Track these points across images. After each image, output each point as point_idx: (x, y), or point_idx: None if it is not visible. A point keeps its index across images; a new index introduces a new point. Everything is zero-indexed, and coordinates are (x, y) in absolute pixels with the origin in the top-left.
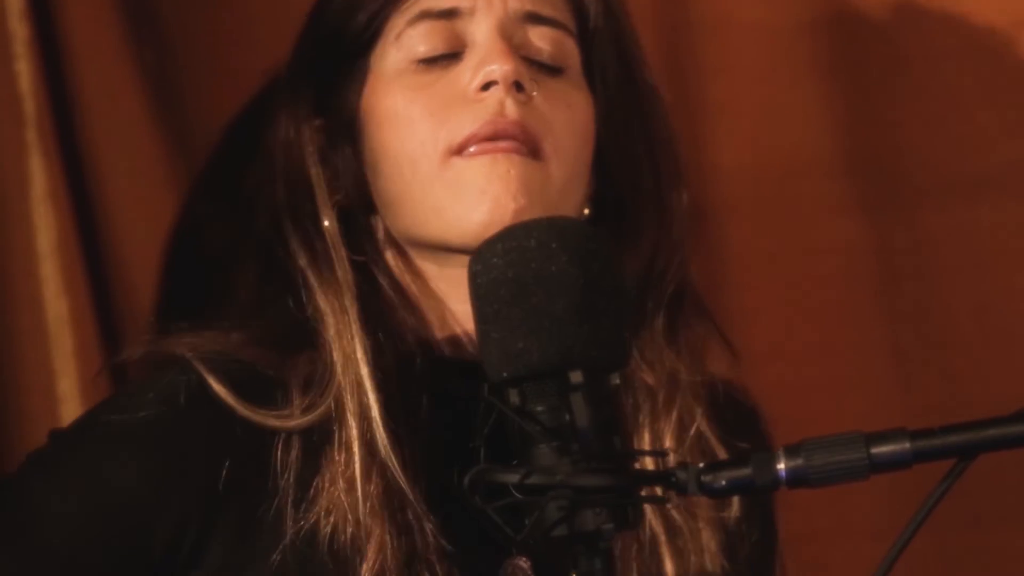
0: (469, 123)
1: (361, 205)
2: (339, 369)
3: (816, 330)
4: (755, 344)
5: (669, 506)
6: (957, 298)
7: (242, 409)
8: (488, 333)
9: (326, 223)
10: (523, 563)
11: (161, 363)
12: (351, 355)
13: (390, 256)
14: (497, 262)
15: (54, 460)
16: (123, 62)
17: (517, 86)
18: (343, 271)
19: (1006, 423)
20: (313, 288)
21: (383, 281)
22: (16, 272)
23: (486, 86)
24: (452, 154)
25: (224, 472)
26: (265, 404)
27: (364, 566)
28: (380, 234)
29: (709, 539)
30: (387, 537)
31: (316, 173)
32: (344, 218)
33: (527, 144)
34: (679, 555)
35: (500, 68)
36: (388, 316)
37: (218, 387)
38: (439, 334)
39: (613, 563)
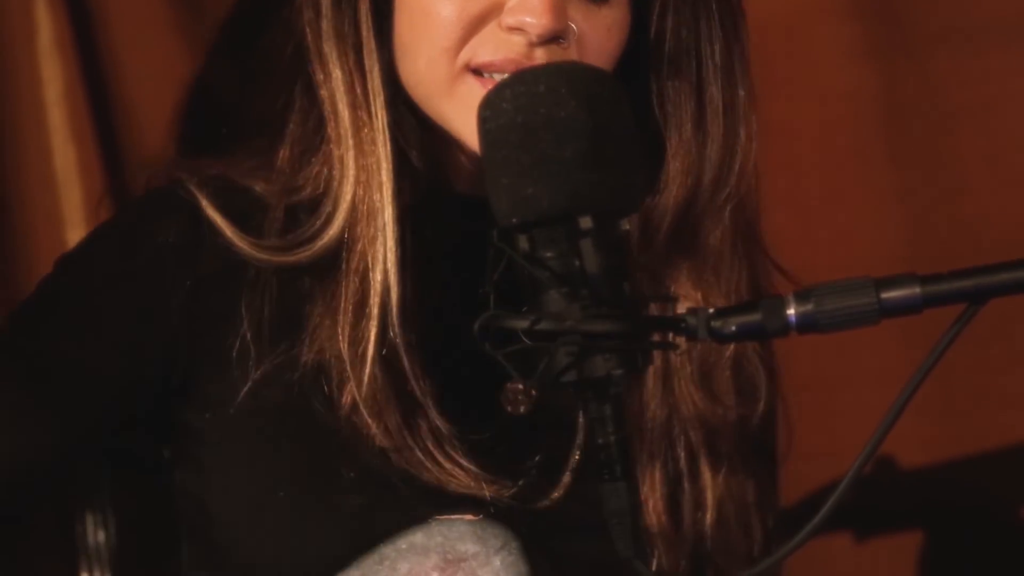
0: (491, 52)
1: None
2: (356, 200)
3: (824, 176)
4: (762, 191)
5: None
6: (966, 143)
7: (238, 241)
8: (497, 179)
9: (369, 43)
10: (521, 386)
11: (162, 187)
12: (374, 187)
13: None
14: (506, 107)
15: (60, 286)
16: None
17: (555, 39)
18: (377, 91)
19: (1017, 267)
20: (341, 105)
21: (405, 112)
22: (23, 122)
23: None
24: (468, 70)
25: (216, 300)
26: (265, 234)
27: (344, 403)
28: None
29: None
30: (375, 380)
31: (365, 9)
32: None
33: None
34: (717, 461)
35: (537, 23)
36: (411, 148)
37: (215, 216)
38: (456, 170)
39: (623, 409)
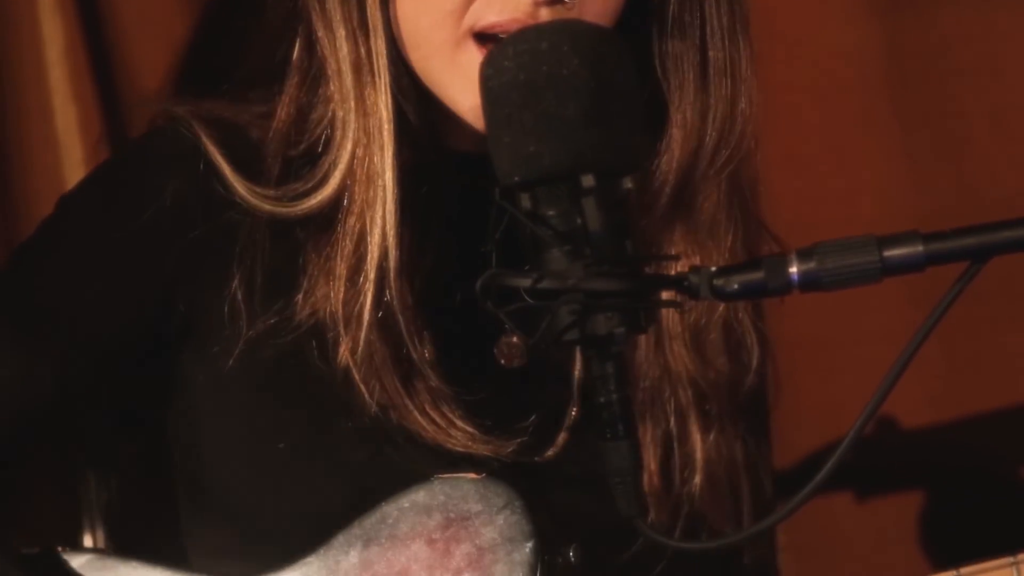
0: (496, 13)
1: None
2: (355, 161)
3: (827, 135)
4: (768, 151)
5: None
6: (971, 102)
7: (237, 183)
8: (499, 138)
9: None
10: (516, 339)
11: (164, 126)
12: (375, 148)
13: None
14: (508, 65)
15: (60, 228)
16: None
17: None
18: (380, 51)
19: (1020, 225)
20: (343, 65)
21: (404, 71)
22: (25, 82)
23: None
24: (472, 35)
25: (211, 255)
26: (262, 183)
27: (340, 361)
28: None
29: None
30: (371, 343)
31: None
32: None
33: None
34: (707, 423)
35: None
36: (410, 107)
37: (216, 155)
38: (454, 127)
39: (625, 368)
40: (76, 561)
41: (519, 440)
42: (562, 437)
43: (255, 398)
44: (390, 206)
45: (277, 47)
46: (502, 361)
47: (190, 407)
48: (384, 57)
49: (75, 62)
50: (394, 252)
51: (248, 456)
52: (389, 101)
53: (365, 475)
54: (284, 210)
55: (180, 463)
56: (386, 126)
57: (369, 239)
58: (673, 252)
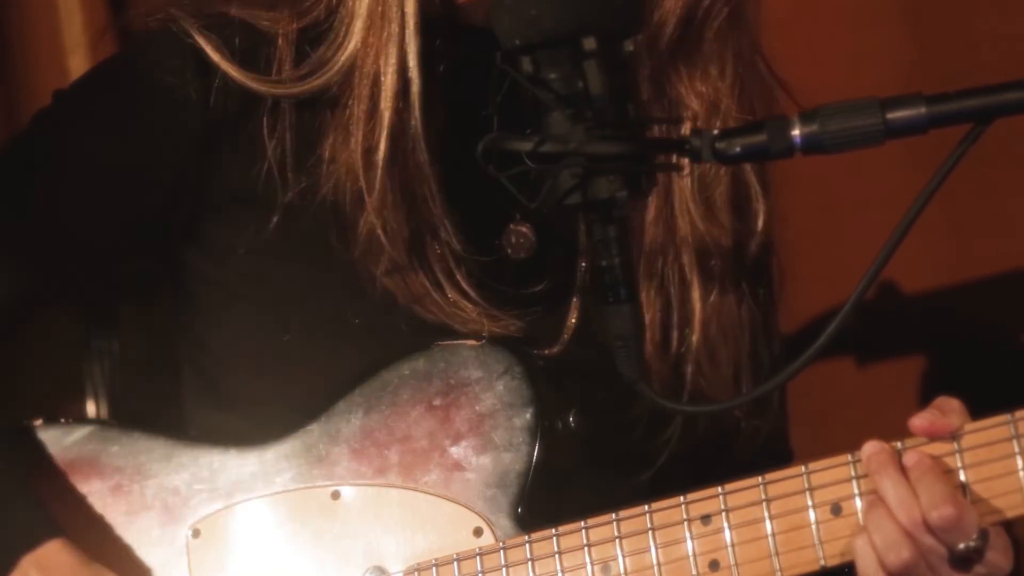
0: None
1: None
2: (372, 12)
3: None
4: (771, 13)
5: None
6: None
7: (243, 78)
8: (501, 0)
9: None
10: (525, 228)
11: (159, 28)
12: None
13: None
14: None
15: (57, 119)
16: None
17: None
18: None
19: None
20: None
21: None
22: None
23: None
24: None
25: (219, 138)
26: (274, 68)
27: (362, 225)
28: None
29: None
30: (390, 197)
31: None
32: None
33: None
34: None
35: None
36: None
37: (215, 55)
38: None
39: (627, 231)
40: (79, 432)
41: (526, 320)
42: (571, 321)
43: (266, 290)
44: (412, 46)
45: None
46: (509, 251)
47: (198, 298)
48: None
49: None
50: (417, 84)
51: (252, 348)
52: None
53: (369, 367)
54: (303, 88)
55: (183, 348)
56: None
57: (383, 78)
58: (682, 98)
